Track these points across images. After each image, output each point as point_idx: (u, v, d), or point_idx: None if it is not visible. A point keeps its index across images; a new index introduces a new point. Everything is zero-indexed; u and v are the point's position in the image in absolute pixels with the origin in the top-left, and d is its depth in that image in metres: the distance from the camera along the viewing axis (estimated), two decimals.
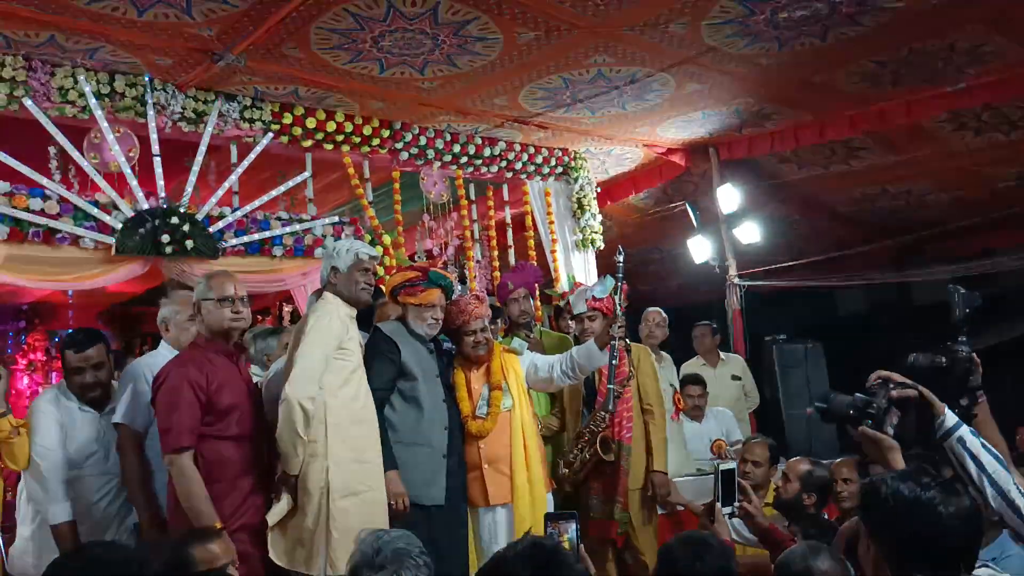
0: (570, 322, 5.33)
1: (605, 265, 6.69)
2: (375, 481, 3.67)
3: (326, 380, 3.58)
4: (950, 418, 2.24)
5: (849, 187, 8.74)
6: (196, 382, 3.38)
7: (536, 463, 4.15)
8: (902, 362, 2.51)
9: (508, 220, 7.27)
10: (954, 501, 1.94)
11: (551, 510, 4.10)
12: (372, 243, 5.78)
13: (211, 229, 5.24)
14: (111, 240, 4.88)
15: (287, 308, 8.35)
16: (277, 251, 5.58)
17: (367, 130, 6.04)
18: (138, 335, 9.71)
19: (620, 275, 4.37)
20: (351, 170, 6.05)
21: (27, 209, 4.65)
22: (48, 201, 4.73)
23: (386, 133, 6.15)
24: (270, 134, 5.59)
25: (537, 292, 6.31)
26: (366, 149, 6.12)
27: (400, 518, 3.66)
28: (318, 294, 3.93)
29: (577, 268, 7.42)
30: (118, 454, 3.81)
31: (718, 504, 3.04)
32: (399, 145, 6.25)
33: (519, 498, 4.05)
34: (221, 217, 5.34)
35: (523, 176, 7.21)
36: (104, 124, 4.91)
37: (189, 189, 5.25)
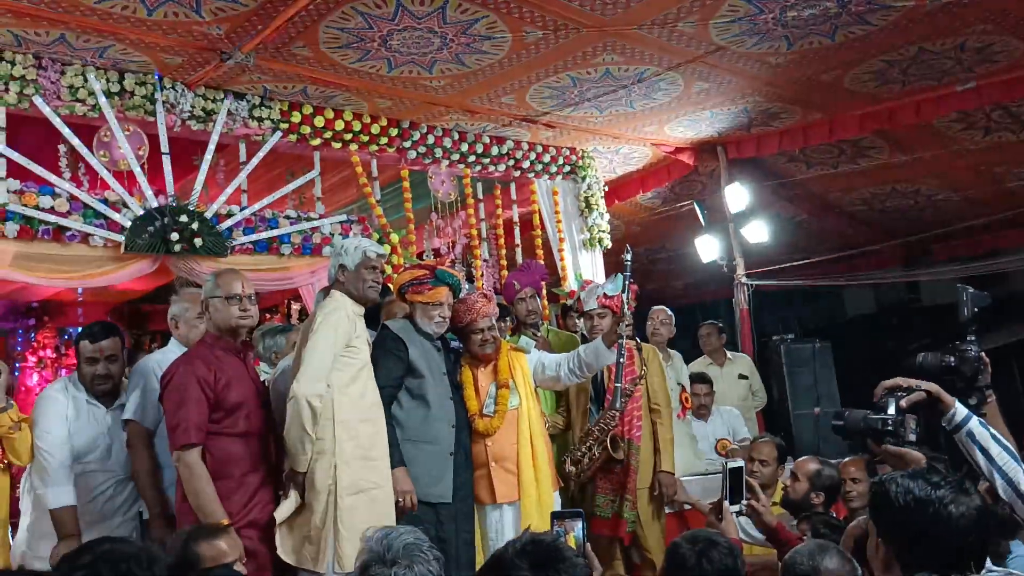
0: (578, 320, 5.34)
1: (613, 264, 6.68)
2: (383, 478, 3.68)
3: (334, 377, 3.59)
4: (960, 411, 2.25)
5: (858, 187, 8.72)
6: (204, 379, 3.39)
7: (543, 461, 4.15)
8: (911, 362, 2.51)
9: (516, 219, 7.27)
10: (964, 500, 1.94)
11: (558, 508, 4.10)
12: (380, 241, 5.78)
13: (220, 227, 5.26)
14: (120, 238, 4.90)
15: (295, 306, 8.37)
16: (285, 249, 5.60)
17: (375, 129, 6.05)
18: (147, 333, 9.75)
19: (628, 274, 4.38)
20: (359, 169, 6.06)
21: (37, 207, 4.67)
22: (58, 199, 4.75)
23: (394, 132, 6.16)
24: (278, 133, 5.60)
25: (544, 291, 6.31)
26: (374, 148, 6.13)
27: (407, 515, 3.67)
28: (326, 292, 3.94)
29: (585, 267, 7.42)
30: (126, 451, 3.83)
31: (726, 502, 3.04)
32: (407, 144, 6.26)
33: (526, 496, 4.05)
34: (230, 215, 5.36)
35: (531, 175, 7.21)
36: (114, 122, 4.93)
37: (198, 187, 5.26)
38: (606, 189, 7.73)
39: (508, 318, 5.11)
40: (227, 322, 3.56)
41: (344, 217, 6.02)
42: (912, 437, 2.28)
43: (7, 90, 4.64)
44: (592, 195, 7.51)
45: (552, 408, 4.99)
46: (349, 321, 3.71)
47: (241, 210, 5.43)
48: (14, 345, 9.46)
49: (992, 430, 2.23)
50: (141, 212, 4.97)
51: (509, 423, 4.13)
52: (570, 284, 7.13)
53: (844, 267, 10.16)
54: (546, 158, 7.18)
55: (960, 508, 1.93)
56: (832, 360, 7.38)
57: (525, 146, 7.02)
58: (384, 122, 6.10)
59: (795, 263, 8.61)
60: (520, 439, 4.12)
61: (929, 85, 6.22)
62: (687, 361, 6.51)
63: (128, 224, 4.92)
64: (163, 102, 5.09)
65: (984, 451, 2.20)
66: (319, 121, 5.74)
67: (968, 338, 2.49)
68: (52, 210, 4.72)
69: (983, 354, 2.47)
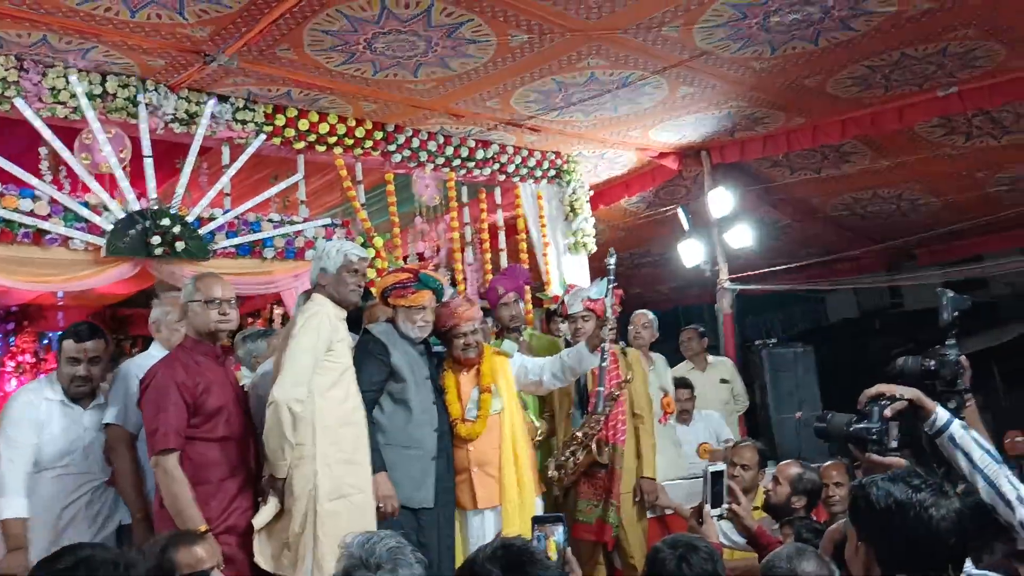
0: (560, 324, 5.33)
1: (598, 268, 6.69)
2: (364, 484, 3.66)
3: (315, 382, 3.57)
4: (941, 416, 2.26)
5: (841, 191, 8.77)
6: (183, 384, 3.37)
7: (525, 466, 4.15)
8: (891, 367, 2.53)
9: (500, 223, 7.26)
10: (944, 503, 1.95)
11: (539, 513, 4.09)
12: (364, 245, 5.76)
13: (202, 231, 5.21)
14: (101, 241, 4.84)
15: (277, 310, 8.31)
16: (268, 253, 5.55)
17: (360, 132, 6.02)
18: (128, 337, 9.68)
19: (612, 278, 4.38)
20: (343, 172, 6.04)
21: (17, 210, 4.60)
22: (38, 202, 4.68)
23: (379, 135, 6.14)
24: (262, 135, 5.56)
25: (528, 295, 6.31)
26: (359, 151, 6.10)
27: (387, 521, 3.65)
28: (307, 295, 3.92)
29: (569, 272, 7.42)
30: (103, 455, 3.79)
31: (706, 506, 3.04)
32: (392, 147, 6.24)
33: (507, 501, 4.05)
34: (212, 219, 5.31)
35: (515, 179, 7.20)
36: (96, 125, 4.88)
37: (180, 190, 5.22)
38: (591, 193, 7.73)
39: (491, 321, 5.10)
40: (206, 326, 3.54)
41: (328, 221, 5.99)
42: (895, 444, 2.29)
43: None
44: (577, 199, 7.50)
45: (537, 413, 4.98)
46: (330, 325, 3.69)
47: (224, 213, 5.38)
48: None
49: (974, 433, 2.24)
50: (122, 215, 4.92)
51: (491, 428, 4.12)
52: (554, 288, 7.12)
53: (827, 271, 10.21)
54: (531, 162, 7.18)
55: (941, 511, 1.93)
56: (814, 364, 7.43)
57: (510, 150, 7.01)
58: (369, 125, 6.07)
59: (778, 267, 8.65)
60: (503, 444, 4.11)
61: (911, 90, 6.27)
62: (671, 365, 6.52)
63: (109, 227, 4.87)
64: (146, 104, 5.05)
65: (966, 455, 2.21)
66: (303, 124, 5.71)
67: (948, 342, 2.51)
68: (32, 213, 4.65)
69: (963, 358, 2.48)
